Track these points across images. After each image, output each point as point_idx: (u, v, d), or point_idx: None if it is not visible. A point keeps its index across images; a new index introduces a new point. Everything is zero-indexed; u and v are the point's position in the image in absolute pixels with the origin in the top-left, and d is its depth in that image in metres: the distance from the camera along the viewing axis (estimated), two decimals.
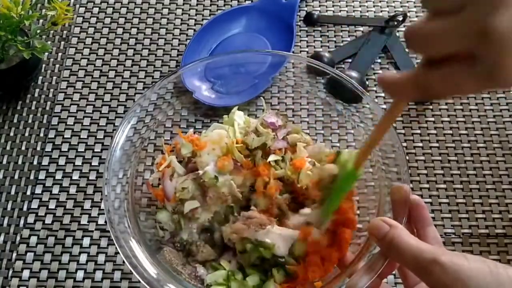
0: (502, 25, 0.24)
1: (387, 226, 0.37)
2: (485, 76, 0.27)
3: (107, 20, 0.75)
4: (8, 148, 0.64)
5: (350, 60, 0.71)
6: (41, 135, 0.65)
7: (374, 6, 0.76)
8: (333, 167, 0.44)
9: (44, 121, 0.66)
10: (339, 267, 0.47)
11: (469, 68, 0.27)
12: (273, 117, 0.54)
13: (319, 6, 0.76)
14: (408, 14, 0.73)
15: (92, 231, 0.59)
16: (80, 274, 0.57)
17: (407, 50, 0.72)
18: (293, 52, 0.71)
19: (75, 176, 0.62)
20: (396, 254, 0.36)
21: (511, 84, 0.26)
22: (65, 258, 0.58)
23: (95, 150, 0.64)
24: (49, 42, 0.72)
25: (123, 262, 0.57)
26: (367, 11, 0.76)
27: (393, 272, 0.55)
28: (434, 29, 0.27)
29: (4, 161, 0.63)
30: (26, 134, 0.65)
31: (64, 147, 0.64)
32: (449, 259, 0.33)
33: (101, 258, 0.58)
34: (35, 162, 0.63)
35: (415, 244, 0.35)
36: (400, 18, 0.72)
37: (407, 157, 0.63)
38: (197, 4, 0.76)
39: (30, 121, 0.66)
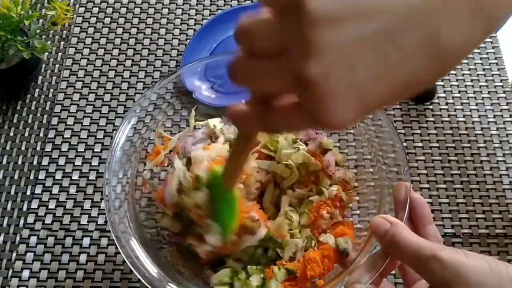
0: (315, 73, 0.24)
1: (388, 224, 0.37)
2: (309, 118, 0.27)
3: (107, 20, 0.74)
4: (8, 148, 0.64)
5: None
6: (41, 135, 0.65)
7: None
8: (202, 193, 0.45)
9: (44, 121, 0.66)
10: (341, 265, 0.47)
11: (295, 110, 0.28)
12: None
13: None
14: None
15: (92, 231, 0.59)
16: (79, 274, 0.57)
17: None
18: None
19: (75, 176, 0.62)
20: (397, 251, 0.36)
21: (336, 127, 0.27)
22: (65, 258, 0.57)
23: (95, 150, 0.64)
24: (49, 42, 0.72)
25: (123, 262, 0.57)
26: None
27: (393, 272, 0.55)
28: (257, 70, 0.28)
29: (4, 161, 0.63)
30: (26, 134, 0.65)
31: (64, 147, 0.64)
32: (449, 255, 0.33)
33: (101, 258, 0.58)
34: (35, 162, 0.63)
35: (415, 241, 0.35)
36: None
37: (407, 157, 0.63)
38: (197, 4, 0.76)
39: (30, 121, 0.66)
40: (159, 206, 0.51)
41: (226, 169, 0.41)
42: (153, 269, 0.43)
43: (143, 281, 0.42)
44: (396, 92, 0.26)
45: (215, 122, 0.55)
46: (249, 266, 0.47)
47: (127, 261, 0.43)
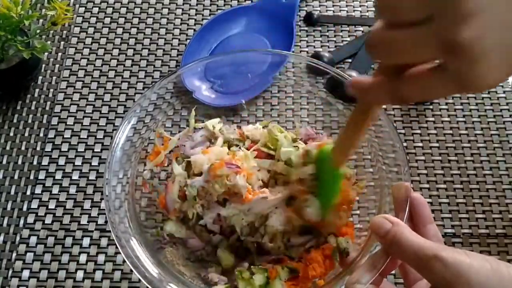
0: (470, 35, 0.25)
1: (389, 224, 0.37)
2: (455, 83, 0.27)
3: (107, 20, 0.74)
4: (8, 148, 0.64)
5: (350, 60, 0.71)
6: (41, 135, 0.65)
7: (374, 6, 0.76)
8: (309, 168, 0.46)
9: (44, 121, 0.66)
10: (341, 265, 0.47)
11: (437, 75, 0.28)
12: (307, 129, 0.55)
13: (319, 6, 0.76)
14: None
15: (92, 231, 0.59)
16: (80, 274, 0.57)
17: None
18: (293, 52, 0.71)
19: (75, 176, 0.62)
20: (398, 251, 0.36)
21: (484, 88, 0.27)
22: (65, 258, 0.57)
23: (95, 150, 0.64)
24: (48, 42, 0.72)
25: (123, 262, 0.57)
26: (367, 11, 0.76)
27: (393, 272, 0.55)
28: (400, 40, 0.28)
29: (4, 161, 0.63)
30: (26, 134, 0.65)
31: (64, 147, 0.64)
32: (451, 255, 0.33)
33: (101, 258, 0.58)
34: (35, 162, 0.63)
35: (416, 240, 0.35)
36: None
37: (407, 157, 0.63)
38: (197, 4, 0.76)
39: (30, 121, 0.66)
40: (161, 211, 0.51)
41: (339, 144, 0.40)
42: (153, 269, 0.43)
43: (143, 281, 0.42)
44: None
45: (214, 123, 0.55)
46: (252, 266, 0.47)
47: (127, 261, 0.43)
